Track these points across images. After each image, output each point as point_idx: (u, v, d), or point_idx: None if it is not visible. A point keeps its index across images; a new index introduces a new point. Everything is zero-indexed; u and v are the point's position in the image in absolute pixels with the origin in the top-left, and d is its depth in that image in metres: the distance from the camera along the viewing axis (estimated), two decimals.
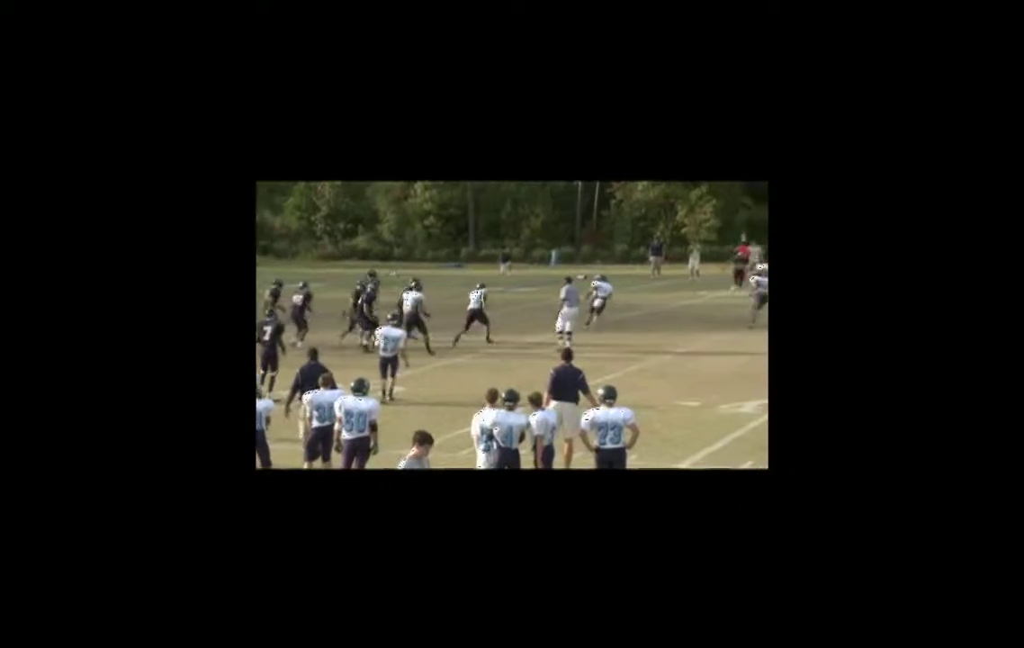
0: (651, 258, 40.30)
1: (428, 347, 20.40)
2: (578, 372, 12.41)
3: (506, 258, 42.22)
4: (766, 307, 24.39)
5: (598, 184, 48.31)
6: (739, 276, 32.98)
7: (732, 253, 37.89)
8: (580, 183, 48.30)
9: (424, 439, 9.24)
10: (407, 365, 17.46)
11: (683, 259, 40.86)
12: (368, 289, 22.25)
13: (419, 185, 48.14)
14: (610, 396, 10.62)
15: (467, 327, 21.99)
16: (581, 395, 12.21)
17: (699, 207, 45.68)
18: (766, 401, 15.79)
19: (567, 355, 13.11)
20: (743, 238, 40.73)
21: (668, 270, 39.34)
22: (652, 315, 27.30)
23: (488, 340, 21.99)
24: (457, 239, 48.37)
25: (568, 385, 12.24)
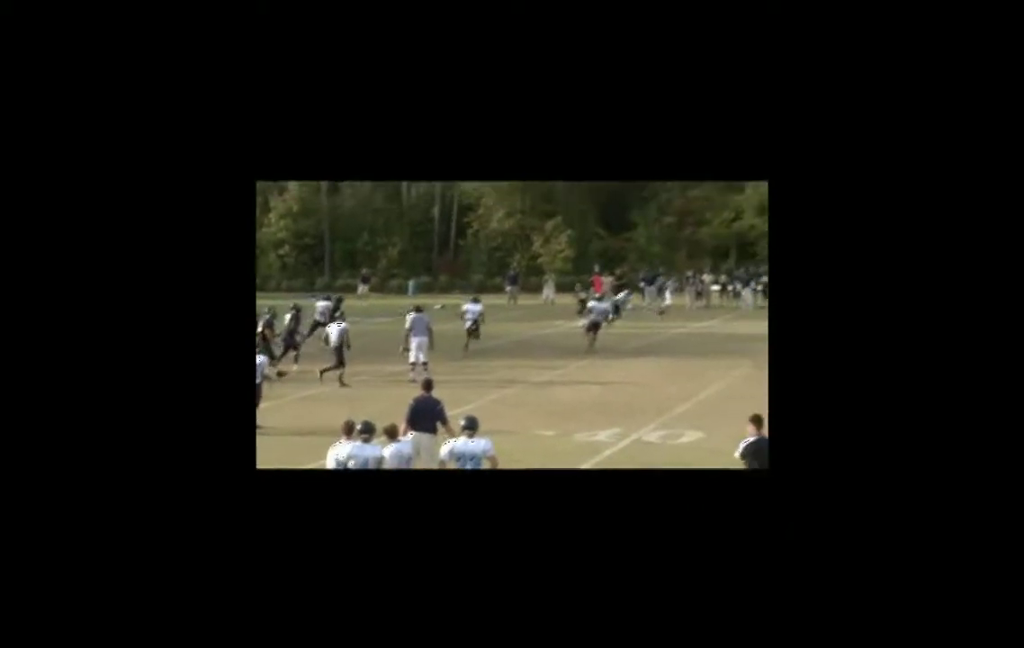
0: (507, 288, 40.74)
1: (321, 373, 20.60)
2: (437, 402, 12.44)
3: (366, 279, 41.92)
4: (598, 333, 25.93)
5: (455, 214, 48.55)
6: (583, 308, 33.63)
7: (587, 283, 38.60)
8: (437, 213, 48.45)
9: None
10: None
11: (539, 289, 41.42)
12: (266, 316, 22.47)
13: (273, 214, 47.42)
14: (471, 426, 10.67)
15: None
16: (439, 425, 12.24)
17: (554, 237, 46.35)
18: (620, 430, 16.29)
19: (427, 385, 13.12)
20: (596, 269, 41.53)
21: (524, 300, 39.76)
22: (509, 345, 27.53)
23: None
24: (312, 269, 47.79)
25: (427, 415, 12.25)
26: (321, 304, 26.67)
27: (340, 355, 20.74)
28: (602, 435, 16.02)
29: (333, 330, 21.39)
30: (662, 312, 35.52)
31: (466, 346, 25.09)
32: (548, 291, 40.42)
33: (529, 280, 43.46)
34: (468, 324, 25.50)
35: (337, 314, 24.18)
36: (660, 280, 39.48)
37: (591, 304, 28.18)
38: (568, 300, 38.38)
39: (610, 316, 29.44)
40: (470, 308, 25.94)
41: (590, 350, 25.71)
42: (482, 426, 11.00)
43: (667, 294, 37.18)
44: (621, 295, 33.92)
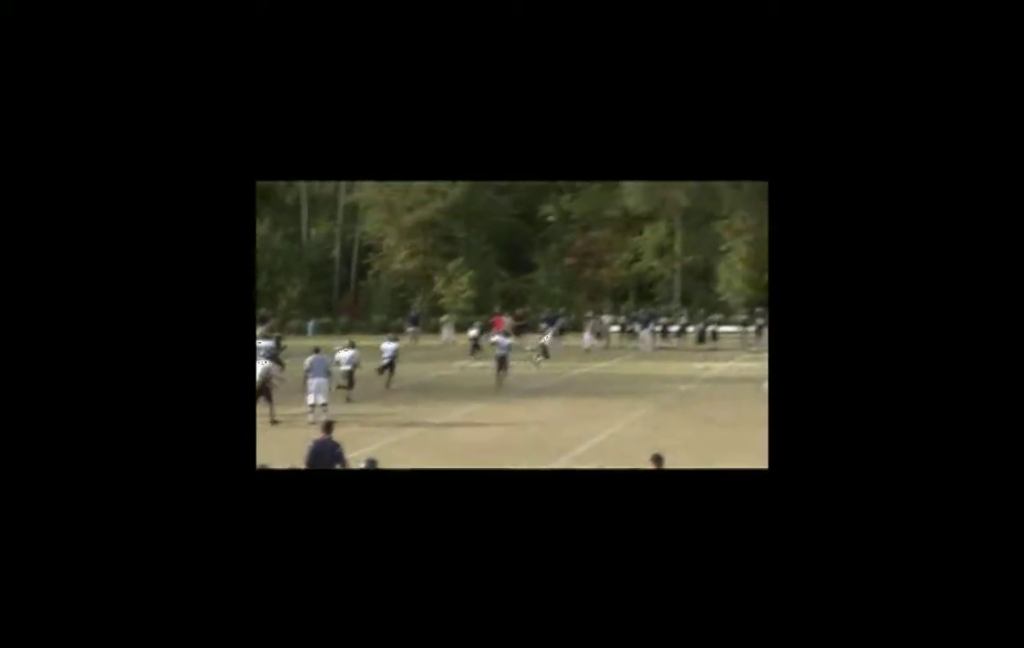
0: (409, 329, 40.64)
1: (272, 416, 20.24)
2: (336, 445, 12.34)
3: (264, 320, 41.35)
4: (508, 370, 26.31)
5: (356, 255, 48.26)
6: (476, 348, 33.80)
7: (487, 323, 38.69)
8: (338, 253, 48.08)
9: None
10: None
11: (439, 329, 41.38)
12: None
13: None
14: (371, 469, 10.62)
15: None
16: (339, 468, 12.13)
17: (456, 278, 46.42)
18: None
19: (327, 427, 12.99)
20: (497, 309, 41.69)
21: (425, 340, 39.66)
22: (409, 386, 27.42)
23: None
24: None
25: (326, 458, 12.13)
26: (263, 343, 26.22)
27: (265, 393, 20.46)
28: None
29: (257, 369, 21.10)
30: (588, 350, 35.92)
31: (387, 384, 25.92)
32: (447, 332, 40.44)
33: (431, 321, 43.41)
34: (384, 361, 26.19)
35: (263, 354, 23.70)
36: (561, 321, 39.76)
37: (495, 339, 28.69)
38: (467, 340, 38.44)
39: (537, 359, 30.30)
40: (386, 346, 26.77)
41: (499, 387, 25.86)
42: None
43: (587, 335, 37.44)
44: (547, 336, 33.94)
